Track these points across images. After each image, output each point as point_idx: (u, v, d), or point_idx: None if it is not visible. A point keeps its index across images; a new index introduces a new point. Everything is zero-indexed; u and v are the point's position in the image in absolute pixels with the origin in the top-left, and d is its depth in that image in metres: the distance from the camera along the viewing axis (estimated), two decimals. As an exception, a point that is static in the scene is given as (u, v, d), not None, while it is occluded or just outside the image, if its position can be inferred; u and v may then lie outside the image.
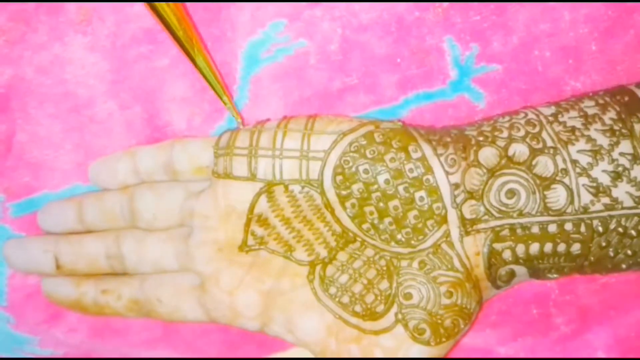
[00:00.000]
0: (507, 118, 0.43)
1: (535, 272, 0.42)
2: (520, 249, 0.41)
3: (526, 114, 0.43)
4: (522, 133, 0.42)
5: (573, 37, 0.45)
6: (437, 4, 0.44)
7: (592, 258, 0.41)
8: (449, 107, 0.46)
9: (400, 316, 0.42)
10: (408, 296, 0.42)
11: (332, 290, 0.43)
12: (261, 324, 0.44)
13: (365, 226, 0.42)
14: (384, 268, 0.42)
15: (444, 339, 0.42)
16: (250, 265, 0.43)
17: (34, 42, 0.43)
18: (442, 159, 0.41)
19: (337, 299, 0.43)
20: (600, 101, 0.43)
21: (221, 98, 0.43)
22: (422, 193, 0.41)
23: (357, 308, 0.43)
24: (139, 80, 0.44)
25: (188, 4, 0.43)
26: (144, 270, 0.45)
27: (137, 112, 0.45)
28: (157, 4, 0.41)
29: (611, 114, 0.42)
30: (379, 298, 0.42)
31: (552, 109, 0.43)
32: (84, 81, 0.44)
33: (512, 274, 0.42)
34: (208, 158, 0.44)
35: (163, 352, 0.48)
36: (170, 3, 0.41)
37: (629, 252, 0.41)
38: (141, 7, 0.43)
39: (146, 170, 0.45)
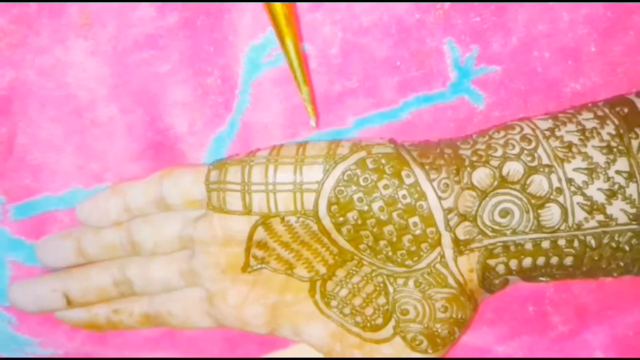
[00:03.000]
0: (502, 134, 0.42)
1: (528, 279, 0.43)
2: (513, 263, 0.42)
3: (522, 128, 0.42)
4: (516, 150, 0.41)
5: (572, 38, 0.45)
6: (438, 4, 0.44)
7: (584, 268, 0.42)
8: (448, 109, 0.46)
9: (398, 329, 0.44)
10: (405, 312, 0.43)
11: (334, 303, 0.45)
12: (270, 329, 0.45)
13: (361, 246, 0.43)
14: (381, 285, 0.44)
15: (440, 347, 0.43)
16: (253, 282, 0.45)
17: (36, 45, 0.43)
18: (434, 184, 0.41)
19: (339, 311, 0.45)
20: (599, 113, 0.42)
21: (300, 89, 0.41)
22: (416, 219, 0.42)
23: (358, 319, 0.44)
24: (140, 85, 0.44)
25: (188, 3, 0.43)
26: (153, 290, 0.46)
27: (139, 116, 0.45)
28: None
29: (609, 128, 0.41)
30: (377, 312, 0.44)
31: (549, 123, 0.42)
32: (85, 84, 0.44)
33: (505, 282, 0.43)
34: (200, 192, 0.44)
35: (163, 352, 0.48)
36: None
37: (621, 263, 0.41)
38: (143, 12, 0.43)
39: (138, 207, 0.45)
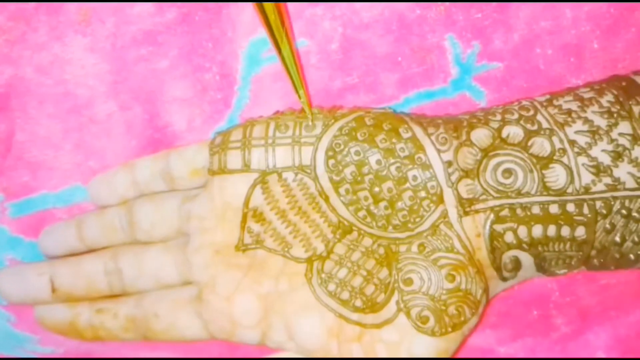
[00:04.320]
0: (501, 106, 0.43)
1: (542, 264, 0.41)
2: (522, 231, 0.40)
3: (520, 102, 0.42)
4: (515, 116, 0.41)
5: (575, 34, 0.45)
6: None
7: (597, 245, 0.40)
8: (449, 106, 0.45)
9: (402, 304, 0.41)
10: (408, 282, 0.41)
11: (331, 287, 0.42)
12: (261, 333, 0.43)
13: (361, 214, 0.42)
14: (383, 256, 0.42)
15: (449, 329, 0.40)
16: (247, 267, 0.43)
17: (34, 42, 0.43)
18: (432, 138, 0.41)
19: (336, 296, 0.42)
20: (597, 87, 0.42)
21: (297, 92, 0.42)
22: (415, 172, 0.41)
23: (358, 302, 0.41)
24: (139, 81, 0.44)
25: (188, 4, 0.43)
26: (143, 286, 0.45)
27: (137, 113, 0.44)
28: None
29: (608, 97, 0.41)
30: (379, 287, 0.41)
31: (547, 96, 0.43)
32: (83, 81, 0.44)
33: (517, 262, 0.41)
34: (204, 159, 0.44)
35: (163, 352, 0.48)
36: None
37: (636, 238, 0.40)
38: (141, 8, 0.43)
39: (144, 180, 0.45)
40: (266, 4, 0.40)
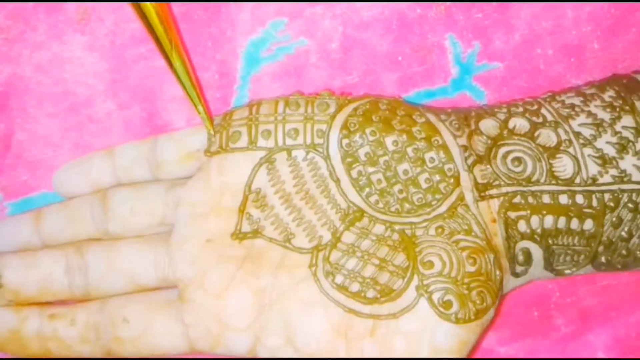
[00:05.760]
0: (505, 104, 0.43)
1: (550, 259, 0.40)
2: (534, 220, 0.39)
3: (524, 99, 0.43)
4: (520, 109, 0.41)
5: (575, 35, 0.45)
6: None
7: (605, 239, 0.40)
8: (450, 105, 0.45)
9: (422, 290, 0.38)
10: (429, 265, 0.38)
11: (339, 279, 0.38)
12: (253, 338, 0.39)
13: (372, 199, 0.39)
14: (397, 242, 0.39)
15: (472, 316, 0.37)
16: (242, 258, 0.39)
17: (33, 41, 0.43)
18: (446, 124, 0.41)
19: (345, 289, 0.38)
20: (597, 84, 0.43)
21: (196, 107, 0.40)
22: (432, 154, 0.40)
23: (370, 293, 0.38)
24: (138, 80, 0.44)
25: (188, 3, 0.43)
26: (112, 286, 0.40)
27: (136, 112, 0.44)
28: (141, 3, 0.37)
29: (610, 92, 0.42)
30: (395, 274, 0.38)
31: (549, 94, 0.43)
32: (82, 80, 0.44)
33: (528, 255, 0.40)
34: (199, 141, 0.41)
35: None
36: (155, 3, 0.38)
37: None
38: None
39: (125, 164, 0.41)
40: (144, 5, 0.37)
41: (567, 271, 0.41)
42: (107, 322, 0.39)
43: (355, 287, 0.38)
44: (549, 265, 0.41)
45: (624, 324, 0.49)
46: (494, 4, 0.44)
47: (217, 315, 0.38)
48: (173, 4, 0.43)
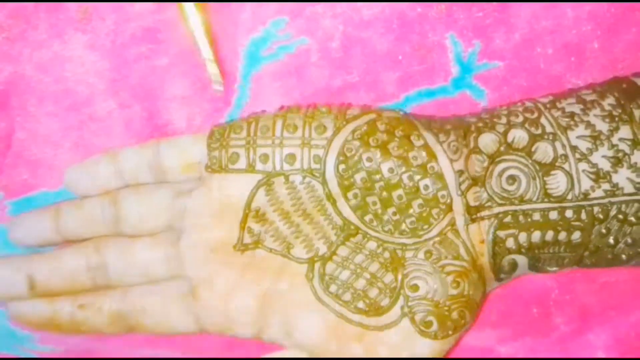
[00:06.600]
0: (505, 108, 0.43)
1: (536, 264, 0.42)
2: (522, 237, 0.41)
3: (524, 103, 0.43)
4: (520, 119, 0.42)
5: (576, 34, 0.45)
6: (440, -1, 0.44)
7: (591, 247, 0.41)
8: (450, 104, 0.45)
9: (406, 309, 0.41)
10: (414, 288, 0.41)
11: (333, 288, 0.41)
12: (257, 330, 0.42)
13: (367, 217, 0.41)
14: (388, 260, 0.41)
15: (450, 332, 0.41)
16: (245, 266, 0.42)
17: (34, 40, 0.43)
18: (444, 146, 0.41)
19: (338, 297, 0.41)
20: (598, 89, 0.43)
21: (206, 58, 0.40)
22: (427, 181, 0.41)
23: (360, 304, 0.41)
24: (138, 79, 0.44)
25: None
26: (130, 280, 0.43)
27: (137, 111, 0.44)
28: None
29: (610, 100, 0.42)
30: (383, 291, 0.41)
31: (550, 98, 0.43)
32: (83, 79, 0.44)
33: (514, 265, 0.42)
34: (199, 153, 0.43)
35: (163, 351, 0.48)
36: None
37: (629, 240, 0.41)
38: (142, 5, 0.43)
39: (130, 169, 0.43)
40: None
41: (551, 270, 0.42)
42: (129, 309, 0.43)
43: (347, 296, 0.41)
44: (533, 268, 0.42)
45: (624, 323, 0.49)
46: (495, 3, 0.44)
47: (224, 312, 0.42)
48: (173, 3, 0.43)
